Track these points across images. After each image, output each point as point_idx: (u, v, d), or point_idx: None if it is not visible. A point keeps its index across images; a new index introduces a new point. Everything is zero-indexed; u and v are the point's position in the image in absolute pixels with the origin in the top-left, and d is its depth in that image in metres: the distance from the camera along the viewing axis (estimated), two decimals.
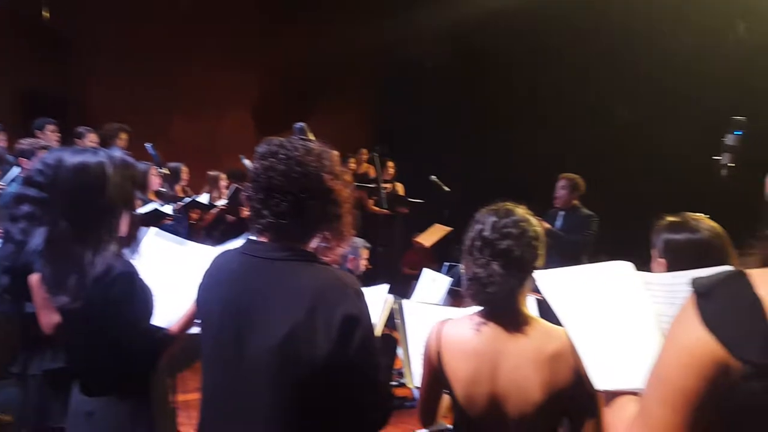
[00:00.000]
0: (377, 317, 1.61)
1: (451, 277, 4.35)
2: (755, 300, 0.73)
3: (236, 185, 4.84)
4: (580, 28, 5.70)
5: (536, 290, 1.25)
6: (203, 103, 7.25)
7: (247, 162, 4.92)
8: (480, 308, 1.34)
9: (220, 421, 1.20)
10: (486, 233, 1.31)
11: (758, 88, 4.16)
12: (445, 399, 1.47)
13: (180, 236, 1.68)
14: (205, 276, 1.29)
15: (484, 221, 1.33)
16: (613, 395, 0.95)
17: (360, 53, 7.69)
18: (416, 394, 3.50)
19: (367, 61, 8.18)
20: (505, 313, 1.30)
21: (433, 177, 5.68)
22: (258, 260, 1.21)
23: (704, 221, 1.52)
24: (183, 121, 7.13)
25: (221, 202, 4.84)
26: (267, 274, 1.19)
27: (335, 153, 1.27)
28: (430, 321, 1.48)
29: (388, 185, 6.20)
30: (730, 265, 1.05)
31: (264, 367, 1.13)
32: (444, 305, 2.94)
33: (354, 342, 1.13)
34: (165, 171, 4.60)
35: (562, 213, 4.33)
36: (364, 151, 6.70)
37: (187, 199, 4.62)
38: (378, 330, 1.58)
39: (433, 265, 4.49)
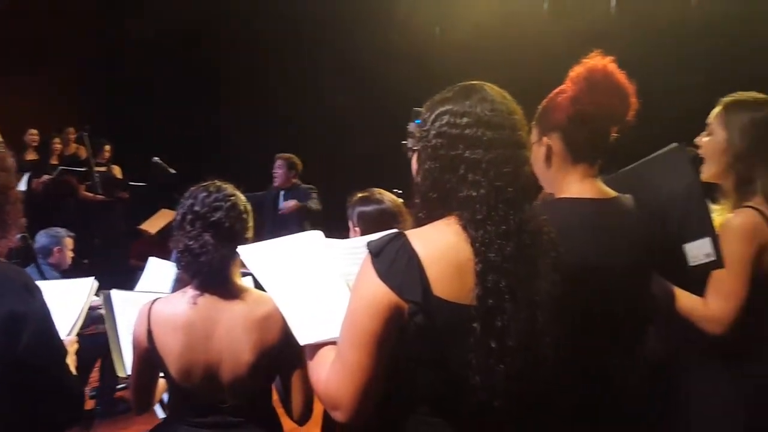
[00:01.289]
0: (78, 311, 1.53)
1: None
2: (412, 253, 0.96)
3: None
4: (297, 11, 6.03)
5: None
6: None
7: None
8: (193, 284, 1.40)
9: None
10: (197, 207, 1.37)
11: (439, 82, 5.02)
12: (161, 384, 1.49)
13: None
14: None
15: (196, 196, 1.39)
16: (315, 348, 1.10)
17: (68, 24, 6.79)
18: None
19: (77, 35, 7.25)
20: (217, 282, 1.38)
21: (156, 159, 5.36)
22: None
23: (387, 194, 1.83)
24: None
25: None
26: None
27: None
28: (138, 306, 1.47)
29: (102, 168, 5.64)
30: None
31: None
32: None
33: (22, 341, 1.06)
34: None
35: (282, 192, 4.54)
36: (71, 129, 5.94)
37: None
38: (77, 325, 1.51)
39: (164, 253, 4.29)
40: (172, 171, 5.39)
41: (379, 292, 0.95)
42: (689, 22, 4.26)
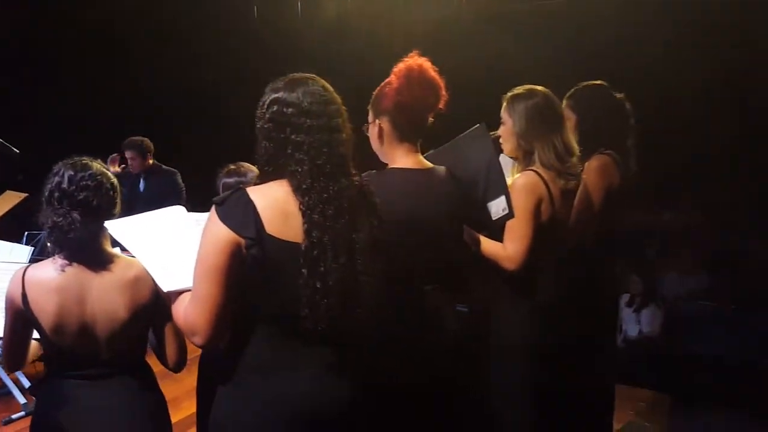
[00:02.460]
0: None
1: (33, 246, 4.03)
2: (249, 202, 1.21)
3: None
4: None
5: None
6: None
7: None
8: (62, 254, 1.50)
9: None
10: (64, 185, 1.45)
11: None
12: (34, 345, 1.58)
13: None
14: None
15: (63, 174, 1.47)
16: (176, 294, 1.33)
17: None
18: (2, 376, 3.26)
19: None
20: (87, 253, 1.49)
21: None
22: None
23: (251, 168, 2.06)
24: None
25: None
26: None
27: None
28: (7, 275, 1.55)
29: None
30: None
31: None
32: None
33: None
34: None
35: (142, 175, 4.41)
36: None
37: None
38: None
39: (11, 237, 4.04)
40: (15, 150, 5.00)
41: (221, 232, 1.20)
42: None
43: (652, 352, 4.11)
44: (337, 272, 1.23)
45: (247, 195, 1.22)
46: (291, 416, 1.25)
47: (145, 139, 4.41)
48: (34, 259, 3.51)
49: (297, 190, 1.24)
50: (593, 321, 2.13)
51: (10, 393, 3.35)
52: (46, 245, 4.35)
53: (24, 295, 1.45)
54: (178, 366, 1.59)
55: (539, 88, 1.92)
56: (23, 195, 5.00)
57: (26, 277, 1.46)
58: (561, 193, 1.87)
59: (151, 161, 4.43)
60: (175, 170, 4.47)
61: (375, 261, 1.31)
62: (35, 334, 1.54)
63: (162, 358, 1.59)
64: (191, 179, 4.57)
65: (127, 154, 4.35)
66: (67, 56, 6.15)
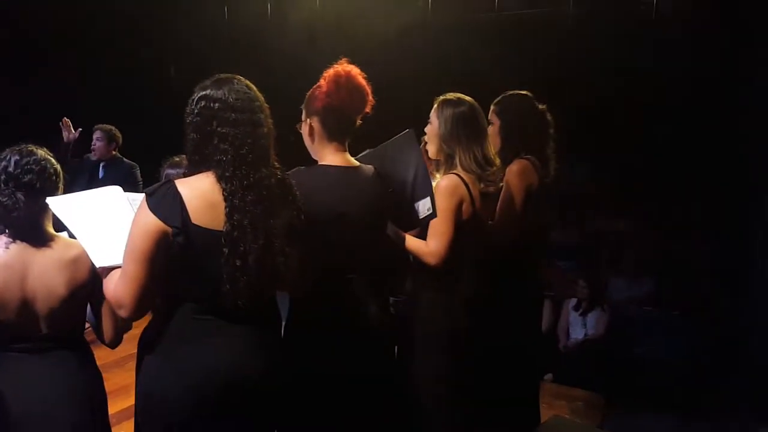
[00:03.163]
0: None
1: None
2: (177, 194, 1.35)
3: None
4: None
5: None
6: None
7: None
8: (6, 233, 1.61)
9: None
10: (10, 169, 1.58)
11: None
12: None
13: None
14: None
15: (9, 159, 1.59)
16: (108, 270, 1.46)
17: None
18: None
19: None
20: (30, 232, 1.61)
21: None
22: None
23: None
24: None
25: None
26: None
27: None
28: None
29: None
30: None
31: None
32: None
33: None
34: None
35: (102, 164, 4.46)
36: None
37: None
38: None
39: None
40: None
41: (150, 221, 1.34)
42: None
43: (595, 354, 4.28)
44: (256, 252, 1.37)
45: (176, 187, 1.36)
46: (209, 384, 1.38)
47: (115, 128, 4.47)
48: None
49: (221, 178, 1.38)
50: (514, 317, 2.29)
51: None
52: None
53: None
54: (113, 342, 1.70)
55: (467, 98, 2.08)
56: None
57: None
58: (481, 195, 2.03)
59: (114, 152, 4.49)
60: (135, 164, 4.53)
61: (291, 246, 1.45)
62: None
63: (99, 334, 1.70)
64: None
65: (95, 135, 4.41)
66: (38, 56, 6.16)
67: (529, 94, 2.38)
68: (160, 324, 1.41)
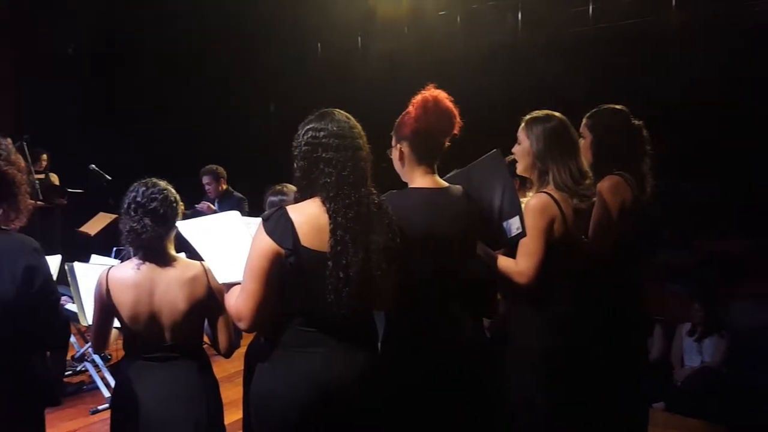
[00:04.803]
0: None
1: (120, 260, 4.53)
2: (288, 219, 1.50)
3: None
4: (220, 25, 6.37)
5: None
6: None
7: None
8: (137, 256, 1.85)
9: None
10: (138, 198, 1.83)
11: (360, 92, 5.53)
12: (114, 333, 1.93)
13: None
14: None
15: (137, 190, 1.85)
16: (229, 285, 1.63)
17: None
18: (92, 372, 3.71)
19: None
20: (156, 254, 1.84)
21: (93, 166, 5.61)
22: None
23: (291, 188, 2.34)
24: None
25: None
26: None
27: (9, 142, 1.59)
28: (96, 274, 1.91)
29: (40, 176, 5.84)
30: None
31: None
32: None
33: (35, 285, 1.51)
34: None
35: (216, 200, 4.90)
36: (8, 141, 6.07)
37: None
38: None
39: (102, 251, 4.58)
40: (108, 177, 5.65)
41: (266, 243, 1.50)
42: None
43: (712, 383, 3.96)
44: (357, 265, 1.49)
45: (287, 213, 1.52)
46: (311, 387, 1.51)
47: (219, 167, 4.87)
48: None
49: (326, 199, 1.53)
50: (614, 338, 2.21)
51: (97, 388, 3.81)
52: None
53: (108, 290, 1.80)
54: (228, 352, 1.90)
55: (555, 113, 2.07)
56: (114, 216, 5.66)
57: (110, 275, 1.82)
58: (574, 213, 2.00)
59: (224, 186, 4.89)
60: (244, 197, 4.90)
61: (388, 263, 1.54)
62: (116, 324, 1.88)
63: (215, 344, 1.90)
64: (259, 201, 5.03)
65: (204, 180, 4.85)
66: (149, 96, 6.89)
67: (623, 108, 2.32)
68: (271, 334, 1.56)
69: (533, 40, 5.12)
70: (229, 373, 3.30)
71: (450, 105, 1.82)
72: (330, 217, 1.51)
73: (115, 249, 4.96)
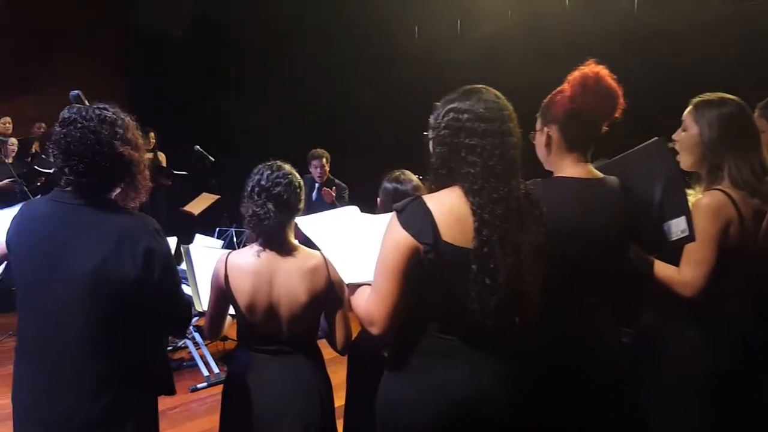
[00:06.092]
0: None
1: (222, 240, 4.60)
2: (427, 210, 1.30)
3: None
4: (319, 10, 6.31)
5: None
6: None
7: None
8: (258, 242, 1.73)
9: (38, 346, 1.39)
10: (263, 182, 1.70)
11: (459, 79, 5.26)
12: (228, 320, 1.84)
13: None
14: (12, 225, 1.43)
15: (262, 173, 1.72)
16: (356, 286, 1.46)
17: (100, 23, 7.32)
18: (192, 349, 3.74)
19: (110, 29, 7.85)
20: (277, 241, 1.71)
21: (197, 147, 5.75)
22: (65, 205, 1.41)
23: (410, 177, 2.15)
24: None
25: None
26: (75, 216, 1.40)
27: (128, 120, 1.51)
28: (212, 258, 1.83)
29: (149, 155, 6.06)
30: None
31: (81, 290, 1.36)
32: None
33: (155, 268, 1.42)
34: None
35: (317, 185, 4.85)
36: (127, 118, 6.38)
37: None
38: None
39: (205, 231, 4.67)
40: (212, 158, 5.78)
41: (402, 237, 1.30)
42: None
43: None
44: (506, 271, 1.27)
45: (425, 203, 1.31)
46: (448, 403, 1.31)
47: (325, 151, 4.81)
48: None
49: (468, 191, 1.31)
50: None
51: (196, 365, 3.86)
52: (233, 239, 4.90)
53: (226, 276, 1.70)
54: (345, 349, 1.75)
55: (731, 96, 1.75)
56: (216, 197, 5.80)
57: (229, 261, 1.72)
58: (753, 215, 1.68)
59: (329, 174, 4.83)
60: (345, 185, 4.82)
61: (539, 264, 1.32)
62: (231, 311, 1.78)
63: (332, 341, 1.76)
64: (359, 185, 4.97)
65: (314, 163, 4.80)
66: (250, 81, 6.99)
67: None
68: (401, 338, 1.37)
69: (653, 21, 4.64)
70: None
71: (613, 83, 1.55)
72: (474, 214, 1.29)
73: (217, 229, 5.07)
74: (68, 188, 1.42)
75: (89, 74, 7.40)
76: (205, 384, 3.66)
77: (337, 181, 4.88)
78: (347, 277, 1.47)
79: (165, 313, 1.46)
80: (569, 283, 1.52)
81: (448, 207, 1.31)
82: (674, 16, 4.55)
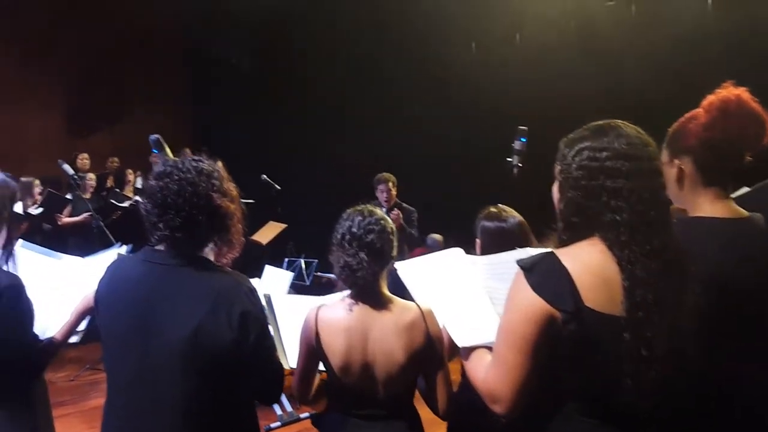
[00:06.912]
0: None
1: (291, 271, 4.53)
2: (563, 269, 1.10)
3: (50, 190, 4.47)
4: (374, 28, 6.26)
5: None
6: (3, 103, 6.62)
7: (66, 167, 4.60)
8: (348, 293, 1.60)
9: (130, 413, 1.29)
10: (354, 229, 1.56)
11: (537, 96, 5.04)
12: (316, 378, 1.70)
13: None
14: (102, 283, 1.36)
15: (352, 219, 1.58)
16: (470, 350, 1.27)
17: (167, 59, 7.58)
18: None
19: (175, 59, 8.14)
20: (370, 294, 1.57)
21: (264, 176, 5.78)
22: (159, 266, 1.33)
23: (513, 214, 1.94)
24: None
25: (36, 210, 4.44)
26: (169, 277, 1.31)
27: (223, 171, 1.43)
28: (296, 309, 1.70)
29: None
30: (529, 247, 1.46)
31: (176, 357, 1.26)
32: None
33: (251, 332, 1.31)
34: None
35: (384, 210, 4.73)
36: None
37: None
38: None
39: (272, 261, 4.63)
40: (278, 187, 5.78)
41: (534, 303, 1.09)
42: None
43: None
44: (666, 340, 1.06)
45: (559, 261, 1.11)
46: None
47: (391, 175, 4.71)
48: (294, 284, 3.94)
49: (614, 244, 1.11)
50: None
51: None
52: (302, 270, 4.78)
53: (317, 334, 1.57)
54: (447, 413, 1.56)
55: None
56: (283, 225, 5.78)
57: (319, 317, 1.59)
58: None
59: (396, 197, 4.73)
60: (414, 209, 4.68)
61: (699, 328, 1.11)
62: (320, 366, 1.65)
63: (431, 403, 1.58)
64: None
65: (381, 188, 4.69)
66: (312, 113, 7.03)
67: None
68: (533, 422, 1.17)
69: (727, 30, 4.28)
70: None
71: (758, 107, 1.33)
72: (623, 271, 1.09)
73: (286, 260, 5.02)
74: (160, 246, 1.34)
75: (157, 109, 7.68)
76: (278, 423, 3.55)
77: (404, 204, 4.75)
78: (461, 340, 1.29)
79: (258, 380, 1.35)
80: (713, 342, 1.29)
81: (589, 264, 1.11)
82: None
